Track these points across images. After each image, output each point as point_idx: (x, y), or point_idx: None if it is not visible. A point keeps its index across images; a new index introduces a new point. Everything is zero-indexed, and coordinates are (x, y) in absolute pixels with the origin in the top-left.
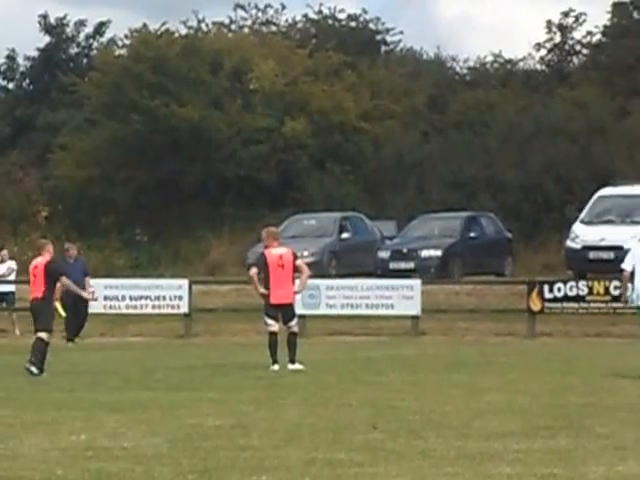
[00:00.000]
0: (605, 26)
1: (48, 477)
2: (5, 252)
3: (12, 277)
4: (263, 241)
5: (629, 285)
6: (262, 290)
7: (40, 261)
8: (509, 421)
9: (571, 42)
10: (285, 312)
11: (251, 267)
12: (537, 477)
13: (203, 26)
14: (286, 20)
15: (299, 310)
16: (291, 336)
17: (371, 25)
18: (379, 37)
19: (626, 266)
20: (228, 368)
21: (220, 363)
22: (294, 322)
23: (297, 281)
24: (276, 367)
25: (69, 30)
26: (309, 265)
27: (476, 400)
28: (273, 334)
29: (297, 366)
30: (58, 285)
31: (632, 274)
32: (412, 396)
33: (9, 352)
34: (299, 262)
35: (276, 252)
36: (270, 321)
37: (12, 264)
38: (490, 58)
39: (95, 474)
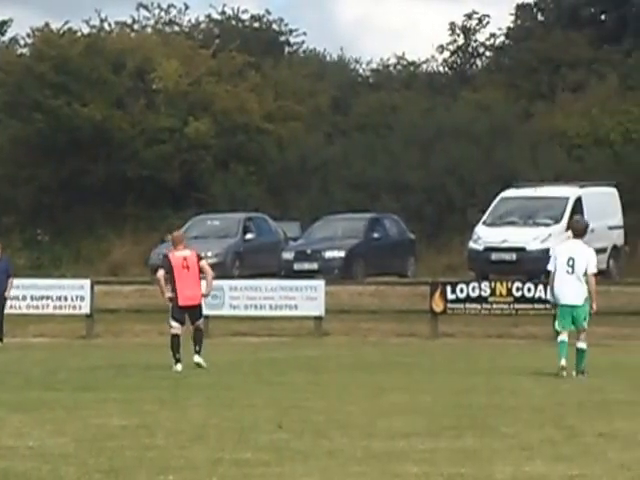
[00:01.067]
0: (509, 28)
1: None
2: None
3: None
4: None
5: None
6: (168, 294)
7: None
8: (414, 421)
9: (474, 44)
10: (192, 313)
11: (158, 269)
12: (444, 477)
13: (106, 25)
14: (189, 20)
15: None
16: (197, 332)
17: (274, 26)
18: (283, 38)
19: (550, 266)
20: (131, 369)
21: (123, 364)
22: (201, 321)
23: (203, 283)
24: (179, 367)
25: None
26: (213, 266)
27: (380, 400)
28: (175, 336)
29: (201, 360)
30: None
31: (555, 274)
32: (316, 396)
33: None
34: (203, 263)
35: (180, 254)
36: (174, 323)
37: None
38: (393, 60)
39: (2, 473)
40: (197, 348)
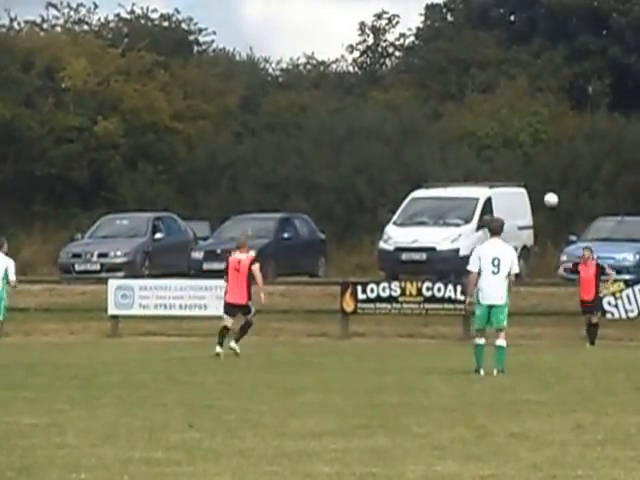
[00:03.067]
0: (418, 28)
1: None
2: None
3: None
4: None
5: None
6: None
7: None
8: (325, 420)
9: (384, 44)
10: (240, 309)
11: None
12: (356, 476)
13: (15, 24)
14: (98, 19)
15: (113, 310)
16: (245, 323)
17: (183, 25)
18: (192, 37)
19: (472, 267)
20: (41, 367)
21: (33, 362)
22: (250, 315)
23: None
24: (218, 349)
25: None
26: (122, 265)
27: (291, 400)
28: (225, 328)
29: (237, 347)
30: None
31: (478, 274)
32: (227, 396)
33: None
34: (253, 267)
35: (236, 257)
36: (225, 316)
37: None
38: (303, 60)
39: None
40: (237, 336)
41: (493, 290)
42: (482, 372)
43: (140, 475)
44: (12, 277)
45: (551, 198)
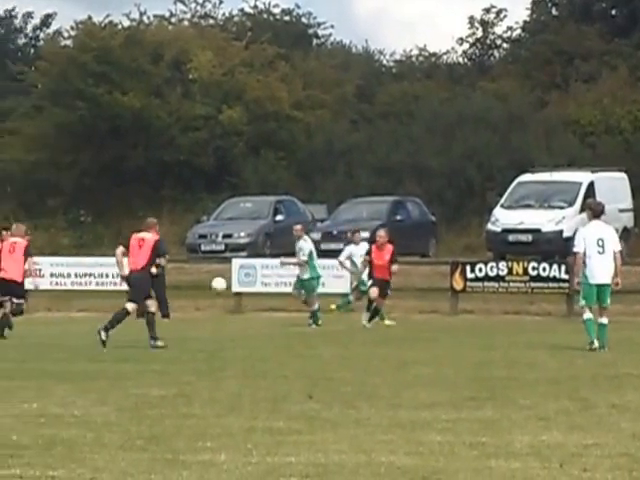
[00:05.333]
0: (525, 22)
1: (3, 442)
2: None
3: None
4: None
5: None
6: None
7: (149, 237)
8: (436, 392)
9: (492, 37)
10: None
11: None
12: (466, 445)
13: (145, 19)
14: (223, 14)
15: (236, 288)
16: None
17: (303, 19)
18: (311, 31)
19: (578, 248)
20: (169, 342)
21: (162, 337)
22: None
23: None
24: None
25: (17, 21)
26: (245, 245)
27: (404, 372)
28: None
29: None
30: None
31: (584, 255)
32: (344, 368)
33: None
34: None
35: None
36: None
37: None
38: (415, 52)
39: (49, 440)
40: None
41: (601, 270)
42: (596, 342)
43: (263, 443)
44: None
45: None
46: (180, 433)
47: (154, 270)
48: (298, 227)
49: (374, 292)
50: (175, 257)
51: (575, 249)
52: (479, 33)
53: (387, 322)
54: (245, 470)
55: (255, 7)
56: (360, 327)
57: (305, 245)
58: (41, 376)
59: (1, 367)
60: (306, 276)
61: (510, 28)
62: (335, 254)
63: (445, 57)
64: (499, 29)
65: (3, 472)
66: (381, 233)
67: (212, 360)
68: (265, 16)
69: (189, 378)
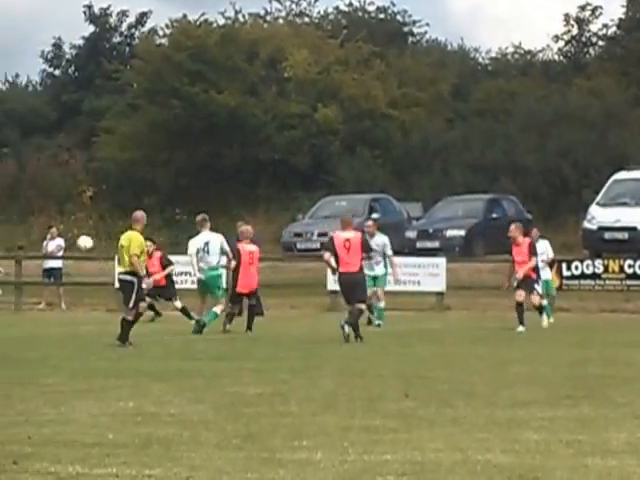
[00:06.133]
0: (620, 19)
1: (100, 441)
2: (54, 230)
3: (60, 253)
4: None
5: None
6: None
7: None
8: (533, 391)
9: (588, 34)
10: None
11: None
12: (562, 443)
13: (240, 17)
14: (318, 12)
15: (332, 286)
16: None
17: (398, 17)
18: (406, 29)
19: None
20: (265, 340)
21: (258, 335)
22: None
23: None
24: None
25: (112, 20)
26: None
27: (501, 371)
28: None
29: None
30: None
31: None
32: (440, 367)
33: (56, 324)
34: None
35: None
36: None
37: (60, 242)
38: (511, 49)
39: (145, 438)
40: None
41: None
42: None
43: (359, 442)
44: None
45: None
46: (276, 431)
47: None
48: (370, 223)
49: (520, 295)
50: (270, 255)
51: None
52: (574, 31)
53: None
54: (341, 468)
55: (350, 5)
56: (456, 327)
57: (386, 240)
58: (137, 374)
59: (99, 365)
60: (382, 272)
61: (605, 25)
62: (430, 252)
63: (540, 54)
64: (594, 27)
65: (100, 471)
66: (512, 227)
67: (308, 358)
68: (360, 14)
69: (285, 376)
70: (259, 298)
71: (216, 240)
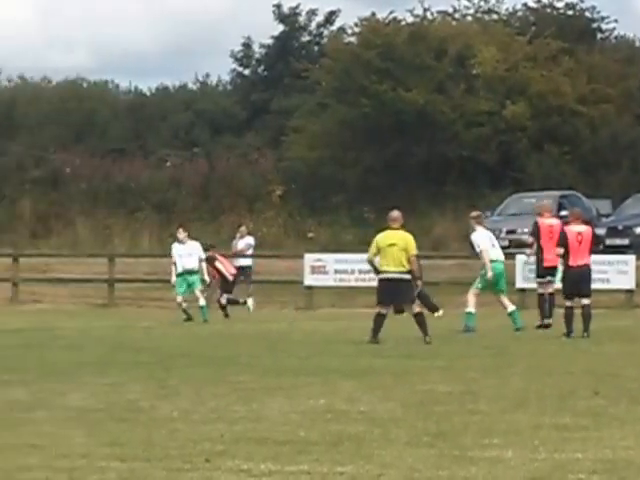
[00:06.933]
0: None
1: (291, 438)
2: (243, 228)
3: (250, 252)
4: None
5: None
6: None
7: None
8: None
9: None
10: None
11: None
12: None
13: (428, 15)
14: (507, 9)
15: (520, 284)
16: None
17: (587, 13)
18: (594, 25)
19: None
20: (454, 338)
21: (443, 334)
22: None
23: None
24: None
25: (301, 19)
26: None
27: None
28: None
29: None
30: None
31: None
32: (630, 365)
33: (246, 322)
34: None
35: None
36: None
37: (250, 240)
38: None
39: (336, 435)
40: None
41: None
42: None
43: (550, 440)
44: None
45: None
46: (467, 429)
47: None
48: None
49: None
50: (458, 253)
51: None
52: None
53: None
54: (532, 466)
55: (539, 1)
56: None
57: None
58: (326, 372)
59: (288, 363)
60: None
61: None
62: (619, 250)
63: None
64: None
65: (292, 468)
66: None
67: (498, 356)
68: (548, 10)
69: (474, 374)
70: (427, 296)
71: None
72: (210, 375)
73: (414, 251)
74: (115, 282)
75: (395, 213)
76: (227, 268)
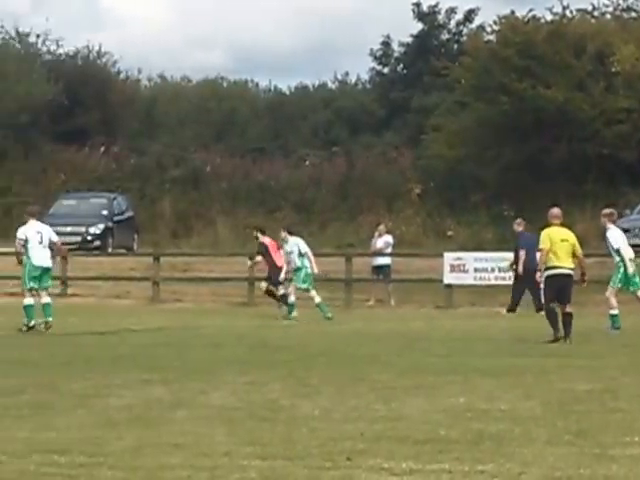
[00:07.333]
0: None
1: (432, 437)
2: (382, 227)
3: (389, 250)
4: None
5: None
6: None
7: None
8: None
9: None
10: None
11: None
12: None
13: (567, 12)
14: None
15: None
16: None
17: None
18: None
19: None
20: (592, 336)
21: (585, 332)
22: None
23: None
24: None
25: (440, 17)
26: None
27: None
28: None
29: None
30: None
31: None
32: None
33: (386, 321)
34: None
35: None
36: None
37: (389, 238)
38: None
39: (477, 434)
40: None
41: None
42: None
43: None
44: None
45: None
46: (607, 428)
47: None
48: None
49: None
50: (597, 252)
51: None
52: None
53: None
54: None
55: None
56: None
57: None
58: (467, 370)
59: (428, 362)
60: None
61: None
62: None
63: None
64: None
65: (433, 467)
66: None
67: (637, 354)
68: None
69: (614, 373)
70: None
71: None
72: (350, 374)
73: (580, 249)
74: (255, 281)
75: (556, 210)
76: (277, 259)
